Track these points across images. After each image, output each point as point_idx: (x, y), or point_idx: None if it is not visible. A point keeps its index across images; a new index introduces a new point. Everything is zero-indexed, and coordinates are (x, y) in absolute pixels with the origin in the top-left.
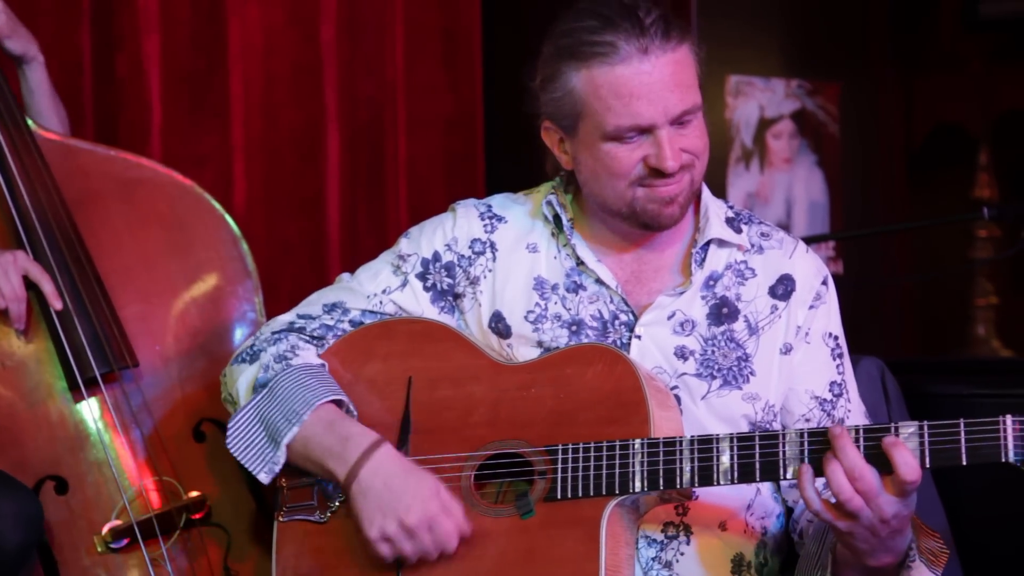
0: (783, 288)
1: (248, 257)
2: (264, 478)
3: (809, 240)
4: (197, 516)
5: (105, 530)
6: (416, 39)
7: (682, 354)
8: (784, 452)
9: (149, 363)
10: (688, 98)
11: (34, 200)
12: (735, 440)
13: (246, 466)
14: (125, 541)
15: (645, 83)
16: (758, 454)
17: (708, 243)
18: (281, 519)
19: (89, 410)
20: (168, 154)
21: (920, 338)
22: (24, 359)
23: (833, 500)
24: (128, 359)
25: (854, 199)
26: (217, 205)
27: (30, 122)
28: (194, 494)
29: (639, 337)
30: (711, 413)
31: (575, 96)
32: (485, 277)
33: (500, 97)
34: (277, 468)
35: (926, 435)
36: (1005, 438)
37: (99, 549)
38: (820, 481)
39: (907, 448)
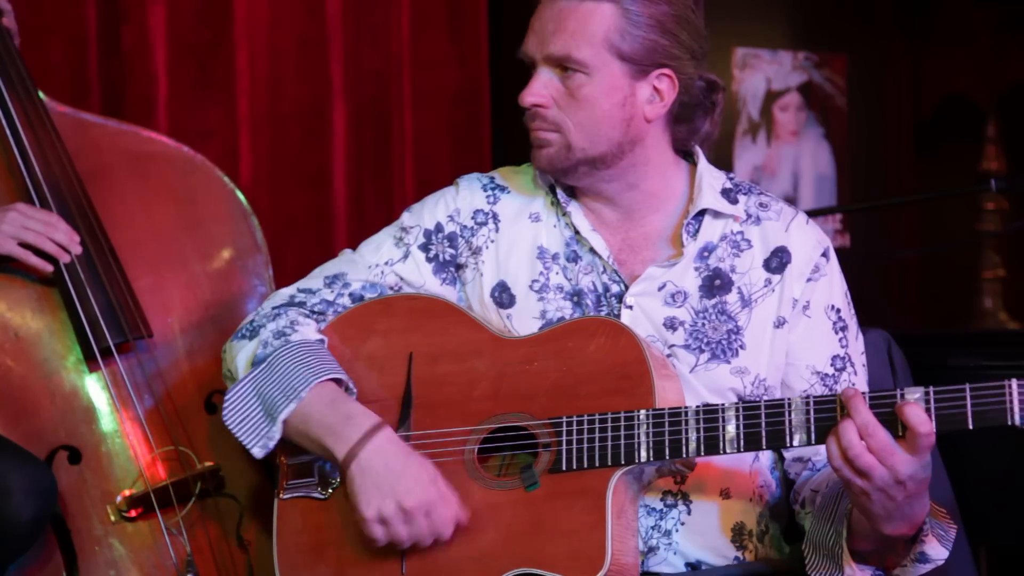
0: (777, 261)
1: (258, 232)
2: (258, 453)
3: (816, 213)
4: (209, 486)
5: (120, 499)
6: (422, 12)
7: (672, 325)
8: (790, 420)
9: (161, 335)
10: (567, 45)
11: (47, 172)
12: (741, 409)
13: (240, 440)
14: (139, 510)
15: (538, 16)
16: (764, 422)
17: (702, 214)
18: (282, 496)
19: (103, 380)
20: (174, 127)
21: (927, 310)
22: (38, 330)
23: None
24: (143, 329)
25: (861, 172)
26: (227, 180)
27: (42, 95)
28: (208, 464)
29: (630, 307)
30: (700, 385)
31: None
32: (487, 248)
33: (506, 70)
34: (271, 444)
35: (932, 400)
36: (1011, 401)
37: (112, 518)
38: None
39: (918, 405)
